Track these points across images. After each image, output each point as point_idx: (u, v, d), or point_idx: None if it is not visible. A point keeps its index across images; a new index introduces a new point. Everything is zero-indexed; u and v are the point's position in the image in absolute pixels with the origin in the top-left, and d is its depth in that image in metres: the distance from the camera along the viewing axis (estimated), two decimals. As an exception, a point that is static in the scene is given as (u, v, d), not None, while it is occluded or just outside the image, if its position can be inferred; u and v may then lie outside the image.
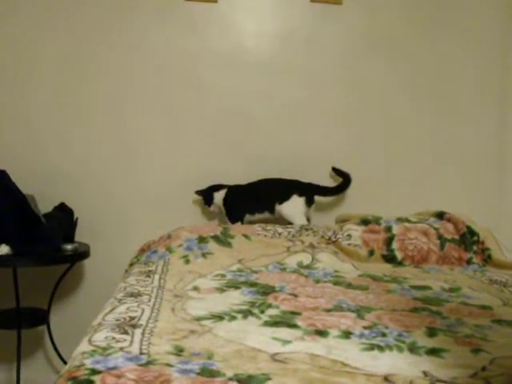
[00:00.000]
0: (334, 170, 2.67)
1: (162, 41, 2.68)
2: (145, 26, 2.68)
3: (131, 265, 2.22)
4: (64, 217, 2.55)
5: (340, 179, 2.65)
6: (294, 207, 2.54)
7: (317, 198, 2.62)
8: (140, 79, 2.69)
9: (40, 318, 2.58)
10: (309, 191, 2.58)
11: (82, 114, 2.69)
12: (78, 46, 2.66)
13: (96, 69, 2.67)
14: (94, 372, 1.01)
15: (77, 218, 2.59)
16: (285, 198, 2.54)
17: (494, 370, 1.10)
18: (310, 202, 2.58)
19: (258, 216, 2.58)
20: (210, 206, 2.63)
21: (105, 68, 2.68)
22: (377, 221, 2.35)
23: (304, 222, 2.51)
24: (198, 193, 2.64)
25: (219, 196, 2.61)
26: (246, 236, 2.24)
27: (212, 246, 2.16)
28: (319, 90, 2.74)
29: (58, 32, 2.65)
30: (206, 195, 2.63)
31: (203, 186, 2.64)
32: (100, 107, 2.69)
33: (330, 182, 2.67)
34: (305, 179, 2.60)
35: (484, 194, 2.82)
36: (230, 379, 1.00)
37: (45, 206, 2.54)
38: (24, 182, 2.42)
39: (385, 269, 2.13)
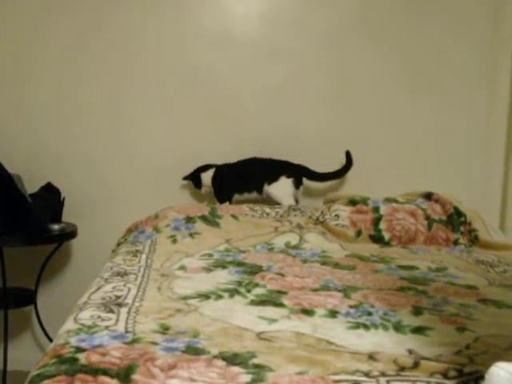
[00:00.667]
0: (347, 153, 2.61)
1: (151, 21, 2.66)
2: (137, 9, 2.66)
3: (118, 245, 2.21)
4: (51, 197, 2.54)
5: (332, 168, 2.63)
6: (282, 188, 2.53)
7: (305, 180, 2.61)
8: (131, 61, 2.67)
9: (27, 298, 2.58)
10: (297, 173, 2.57)
11: (71, 93, 2.67)
12: (75, 28, 2.65)
13: (88, 51, 2.65)
14: (79, 350, 1.01)
15: (64, 198, 2.58)
16: (273, 179, 2.53)
17: (478, 347, 1.11)
18: (298, 184, 2.56)
19: (246, 196, 2.57)
20: (200, 188, 2.61)
21: (95, 50, 2.65)
22: (364, 201, 2.35)
23: (292, 203, 2.51)
24: (186, 178, 2.63)
25: (207, 176, 2.59)
26: (233, 216, 2.24)
27: (200, 225, 2.15)
28: (307, 71, 2.72)
29: (56, 13, 2.63)
30: (194, 178, 2.61)
31: (192, 165, 2.63)
32: (90, 88, 2.67)
33: (317, 162, 2.66)
34: (293, 159, 2.59)
35: (471, 175, 2.82)
36: (215, 357, 1.01)
37: (31, 186, 2.52)
38: (10, 162, 2.40)
39: (372, 249, 2.13)
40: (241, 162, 2.60)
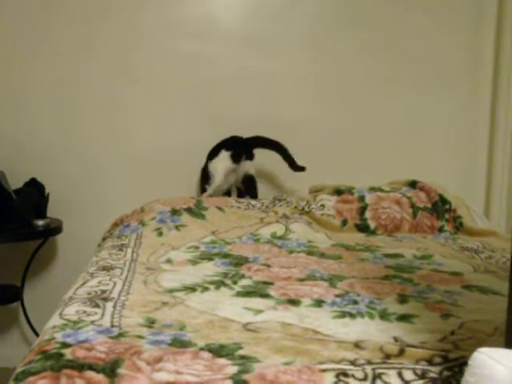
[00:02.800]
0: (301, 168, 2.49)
1: (129, 10, 2.64)
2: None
3: (104, 239, 2.20)
4: (35, 192, 2.52)
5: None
6: (218, 163, 2.45)
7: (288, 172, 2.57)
8: (116, 51, 2.67)
9: (13, 294, 2.56)
10: (240, 144, 2.46)
11: (56, 86, 2.65)
12: (65, 22, 2.64)
13: (64, 42, 2.63)
14: (65, 345, 1.00)
15: (48, 194, 2.56)
16: (215, 154, 2.47)
17: (463, 333, 1.12)
18: (237, 158, 2.44)
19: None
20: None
21: (74, 41, 2.63)
22: (350, 190, 2.36)
23: (220, 180, 2.44)
24: None
25: None
26: (219, 208, 2.23)
27: (185, 218, 2.15)
28: (291, 59, 2.72)
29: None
30: None
31: (179, 156, 2.62)
32: (75, 80, 2.65)
33: (304, 150, 2.66)
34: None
35: (456, 162, 2.84)
36: (202, 349, 1.00)
37: (15, 182, 2.50)
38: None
39: (358, 238, 2.14)
40: None
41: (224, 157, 2.45)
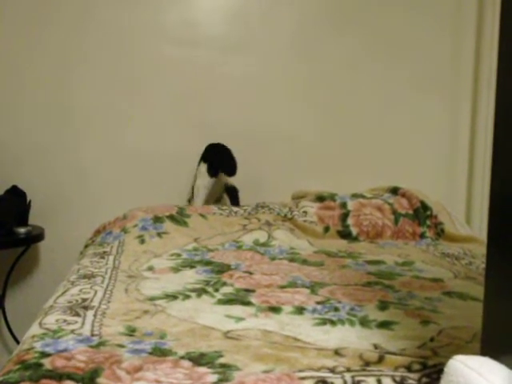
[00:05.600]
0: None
1: (113, 15, 2.64)
2: (104, 3, 2.64)
3: (86, 246, 2.19)
4: (16, 200, 2.50)
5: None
6: (198, 181, 2.44)
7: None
8: (90, 55, 2.64)
9: (-6, 302, 2.54)
10: (215, 157, 2.42)
11: (35, 90, 2.63)
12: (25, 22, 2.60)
13: (49, 45, 2.61)
14: (44, 355, 1.00)
15: (30, 201, 2.55)
16: (198, 168, 2.47)
17: (442, 340, 1.13)
18: (213, 172, 2.41)
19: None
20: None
21: (59, 45, 2.62)
22: (332, 197, 2.37)
23: (201, 194, 2.44)
24: None
25: None
26: (202, 215, 2.23)
27: (168, 225, 2.14)
28: (276, 64, 2.73)
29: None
30: None
31: (164, 163, 2.62)
32: (56, 84, 2.63)
33: (288, 156, 2.67)
34: (262, 154, 2.58)
35: (437, 169, 2.86)
36: (182, 358, 1.00)
37: (-3, 189, 2.50)
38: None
39: (340, 245, 2.15)
40: None
41: (203, 172, 2.43)
